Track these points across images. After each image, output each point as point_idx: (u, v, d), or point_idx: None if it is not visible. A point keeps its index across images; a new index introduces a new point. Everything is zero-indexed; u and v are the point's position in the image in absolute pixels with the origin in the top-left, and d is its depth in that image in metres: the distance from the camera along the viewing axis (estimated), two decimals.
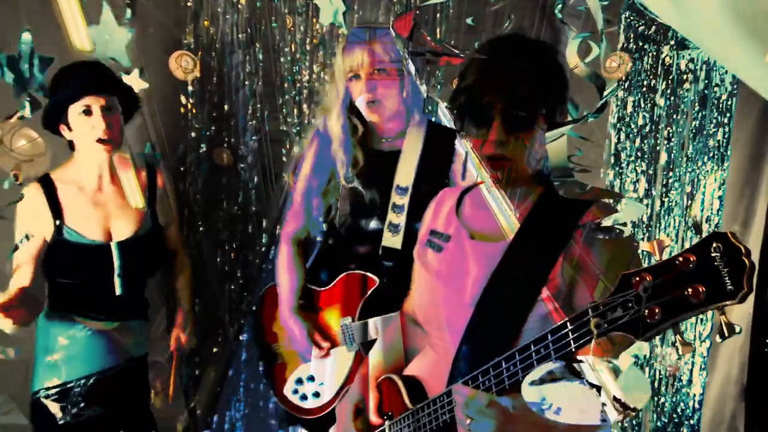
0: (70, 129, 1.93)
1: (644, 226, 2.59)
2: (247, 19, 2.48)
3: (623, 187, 2.60)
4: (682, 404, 2.60)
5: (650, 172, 2.57)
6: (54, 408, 1.94)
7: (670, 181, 2.54)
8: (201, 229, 2.66)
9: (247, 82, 2.58)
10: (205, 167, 2.65)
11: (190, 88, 2.40)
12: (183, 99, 2.45)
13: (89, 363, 2.00)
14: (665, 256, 0.90)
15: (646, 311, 0.88)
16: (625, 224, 1.08)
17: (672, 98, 2.50)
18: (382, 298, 1.85)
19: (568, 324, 1.00)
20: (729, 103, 2.47)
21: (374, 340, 1.78)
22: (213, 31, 2.50)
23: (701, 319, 2.54)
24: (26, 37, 1.28)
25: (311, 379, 1.99)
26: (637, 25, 2.50)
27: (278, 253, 2.05)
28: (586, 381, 0.95)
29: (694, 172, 2.51)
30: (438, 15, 2.01)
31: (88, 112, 1.89)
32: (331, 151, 1.92)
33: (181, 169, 2.63)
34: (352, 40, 1.82)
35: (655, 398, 2.59)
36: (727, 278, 0.81)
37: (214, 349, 2.78)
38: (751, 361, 2.51)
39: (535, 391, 0.99)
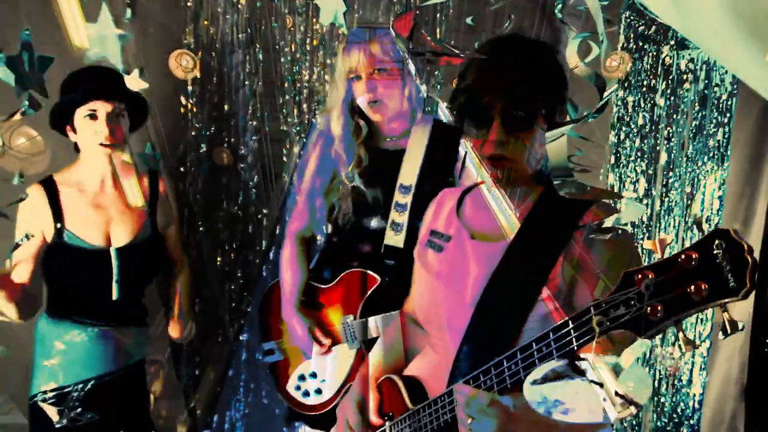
0: (75, 131, 1.94)
1: (644, 226, 2.59)
2: (247, 19, 2.48)
3: (622, 187, 2.60)
4: (682, 404, 2.60)
5: (650, 172, 2.57)
6: (51, 412, 1.94)
7: (670, 181, 2.54)
8: (201, 229, 2.66)
9: (247, 82, 2.57)
10: (205, 167, 2.65)
11: (190, 87, 2.40)
12: (183, 99, 2.45)
13: (87, 367, 2.00)
14: (667, 254, 0.90)
15: (649, 309, 0.88)
16: (625, 225, 1.08)
17: (672, 98, 2.49)
18: (384, 296, 1.85)
19: (570, 322, 1.00)
20: (729, 103, 2.47)
21: (375, 338, 1.78)
22: (213, 31, 2.49)
23: (701, 319, 2.54)
24: (26, 36, 1.28)
25: (313, 375, 2.00)
26: (637, 25, 2.50)
27: (282, 250, 2.08)
28: (589, 379, 0.95)
29: (694, 171, 2.51)
30: (438, 15, 2.01)
31: (93, 116, 1.90)
32: (332, 151, 1.93)
33: (181, 169, 2.63)
34: (351, 40, 1.83)
35: (655, 398, 2.58)
36: (729, 275, 0.81)
37: (214, 349, 2.77)
38: (751, 361, 2.51)
39: (538, 390, 0.99)
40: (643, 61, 2.53)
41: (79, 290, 2.01)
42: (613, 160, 2.61)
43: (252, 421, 2.72)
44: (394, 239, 1.84)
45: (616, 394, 0.90)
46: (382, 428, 1.40)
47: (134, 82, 1.58)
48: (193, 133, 2.59)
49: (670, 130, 2.52)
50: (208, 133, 2.63)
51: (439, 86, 1.85)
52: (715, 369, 2.64)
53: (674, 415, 2.60)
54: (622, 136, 2.60)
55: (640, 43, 2.53)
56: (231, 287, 2.75)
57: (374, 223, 1.94)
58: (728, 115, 2.48)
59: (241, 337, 2.76)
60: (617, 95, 2.54)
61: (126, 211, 2.04)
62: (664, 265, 0.88)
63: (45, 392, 1.96)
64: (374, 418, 1.42)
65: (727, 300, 0.82)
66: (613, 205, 1.20)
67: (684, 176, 2.52)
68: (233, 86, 2.61)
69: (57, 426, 1.94)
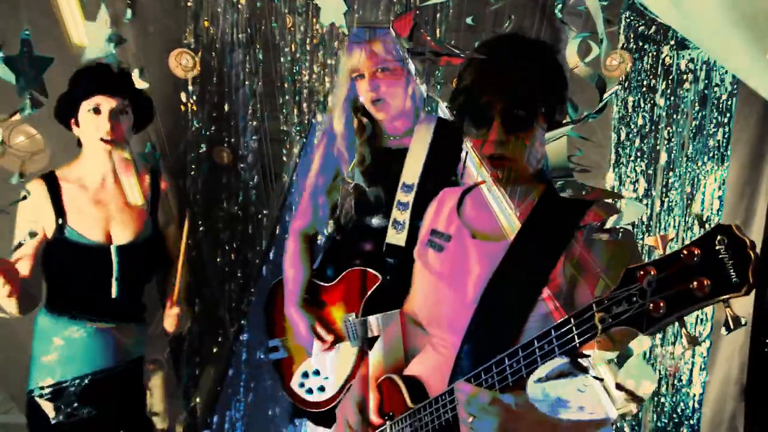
0: (78, 125, 1.95)
1: (644, 226, 2.59)
2: (247, 19, 2.48)
3: (622, 187, 2.60)
4: (682, 404, 2.60)
5: (650, 172, 2.57)
6: (47, 407, 1.94)
7: (670, 181, 2.54)
8: (201, 229, 2.66)
9: (247, 82, 2.57)
10: (205, 167, 2.65)
11: (190, 87, 2.40)
12: (183, 98, 2.45)
13: (84, 363, 2.00)
14: (669, 250, 0.89)
15: (651, 305, 0.87)
16: (626, 225, 1.08)
17: (672, 98, 2.50)
18: (386, 294, 1.86)
19: (572, 319, 1.00)
20: (729, 103, 2.47)
21: (377, 337, 1.78)
22: (213, 30, 2.49)
23: (701, 319, 2.54)
24: (26, 36, 1.28)
25: (317, 373, 2.01)
26: (637, 25, 2.50)
27: (286, 248, 2.08)
28: (592, 376, 0.94)
29: (694, 171, 2.51)
30: (438, 15, 2.01)
31: (97, 110, 1.91)
32: (335, 149, 1.94)
33: (181, 168, 2.63)
34: (353, 40, 1.85)
35: (655, 398, 2.59)
36: (732, 271, 0.81)
37: (214, 349, 2.77)
38: (751, 361, 2.51)
39: (541, 388, 0.99)
40: (643, 61, 2.54)
41: (79, 286, 2.01)
42: (613, 159, 2.61)
43: (252, 421, 2.72)
44: (396, 238, 1.84)
45: (619, 388, 0.90)
46: (383, 428, 1.40)
47: (134, 82, 1.59)
48: (193, 133, 2.58)
49: (670, 130, 2.52)
50: (208, 132, 2.63)
51: (439, 86, 1.85)
52: (715, 369, 2.64)
53: (674, 415, 2.61)
54: (623, 136, 2.60)
55: (640, 43, 2.53)
56: (231, 287, 2.74)
57: (376, 221, 1.95)
58: (728, 115, 2.48)
59: (241, 337, 2.76)
60: (617, 95, 2.55)
61: (126, 209, 2.04)
62: (666, 261, 0.87)
63: (42, 388, 1.96)
64: (374, 418, 1.42)
65: (729, 296, 0.81)
66: (613, 204, 1.20)
67: (684, 176, 2.52)
68: (233, 86, 2.61)
69: (53, 421, 1.94)
